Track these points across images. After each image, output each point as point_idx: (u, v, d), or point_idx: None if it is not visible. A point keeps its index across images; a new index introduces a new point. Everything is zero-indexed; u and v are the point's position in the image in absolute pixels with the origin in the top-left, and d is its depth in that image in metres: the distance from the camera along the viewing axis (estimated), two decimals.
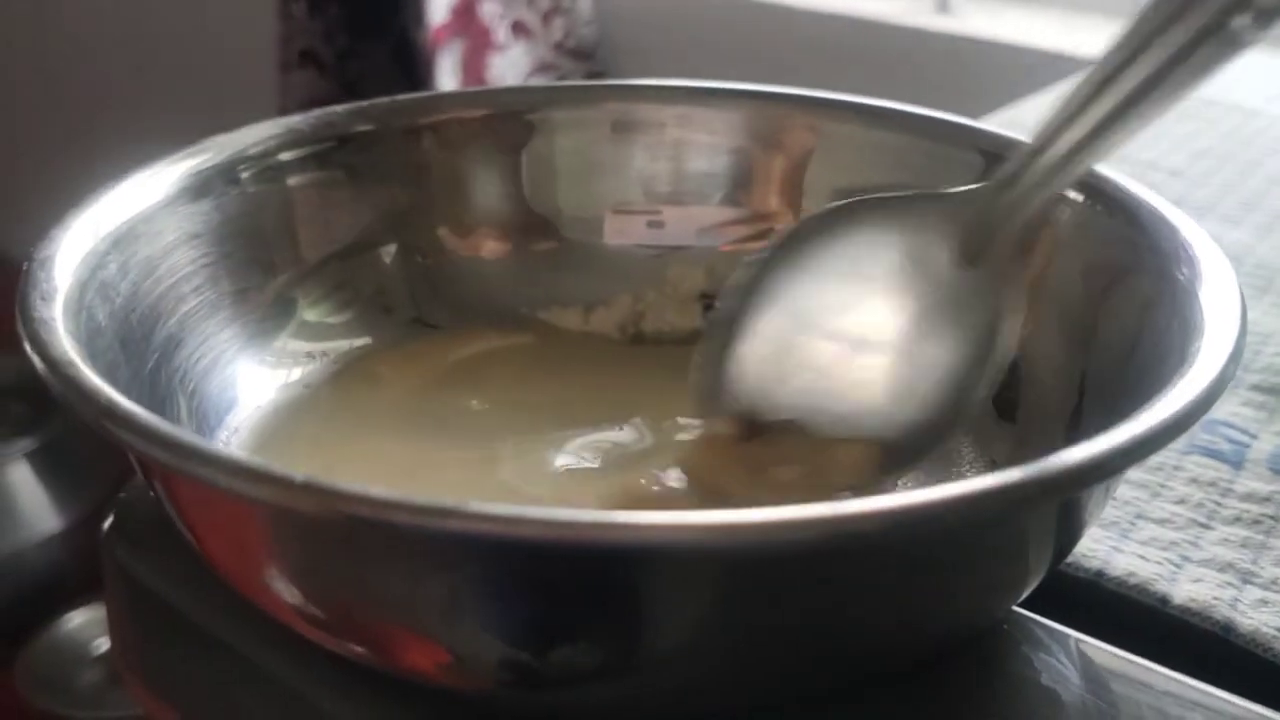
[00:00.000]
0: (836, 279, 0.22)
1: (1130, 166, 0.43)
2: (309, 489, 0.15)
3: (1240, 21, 0.18)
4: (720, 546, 0.15)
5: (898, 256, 0.22)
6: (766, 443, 0.22)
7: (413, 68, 0.79)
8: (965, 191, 0.22)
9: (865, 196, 0.23)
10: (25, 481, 0.84)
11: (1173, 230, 0.22)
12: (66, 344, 0.18)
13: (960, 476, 0.23)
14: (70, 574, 0.83)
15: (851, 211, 0.23)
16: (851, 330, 0.22)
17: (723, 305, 0.24)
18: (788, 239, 0.23)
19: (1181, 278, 0.20)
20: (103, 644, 0.80)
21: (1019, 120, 0.44)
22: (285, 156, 0.26)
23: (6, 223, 1.07)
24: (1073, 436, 0.21)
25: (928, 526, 0.15)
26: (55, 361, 0.18)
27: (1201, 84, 0.19)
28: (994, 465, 0.23)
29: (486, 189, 0.29)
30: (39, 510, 0.84)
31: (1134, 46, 0.19)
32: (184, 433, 0.17)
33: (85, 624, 0.81)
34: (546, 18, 0.81)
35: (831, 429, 0.22)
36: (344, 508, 0.15)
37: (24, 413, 0.88)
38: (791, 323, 0.22)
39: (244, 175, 0.26)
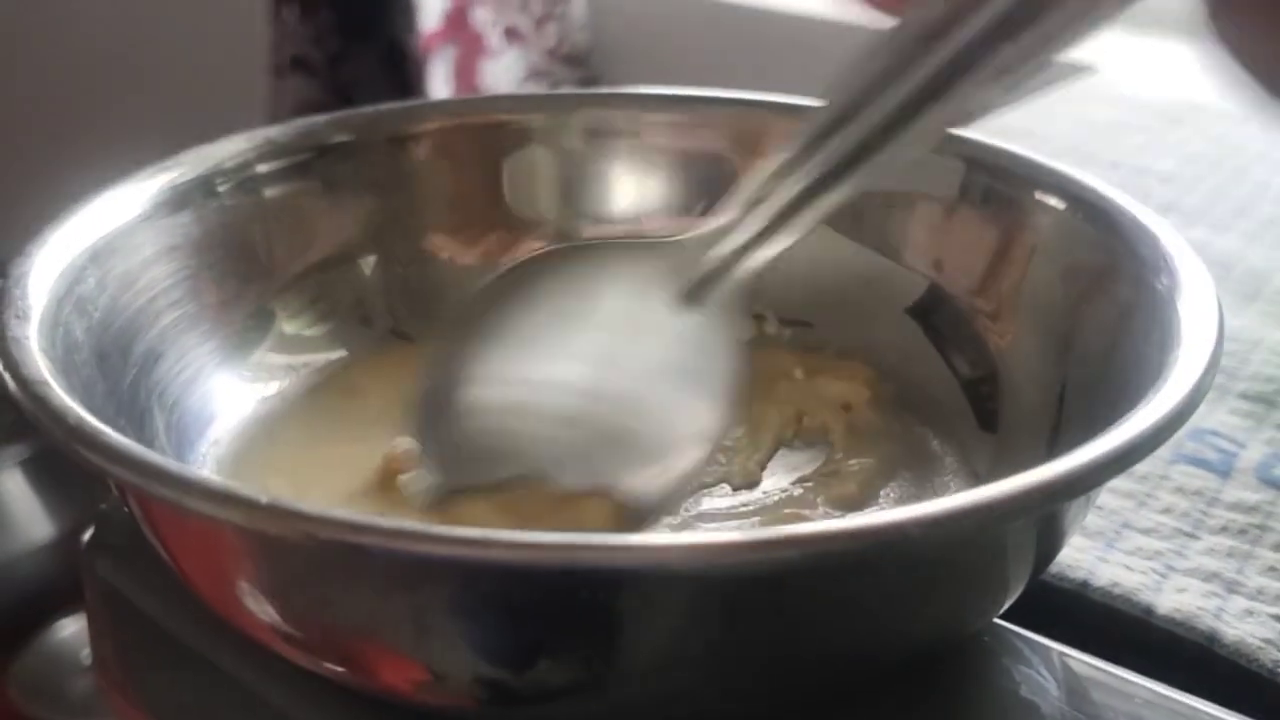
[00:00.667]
0: (555, 326, 0.21)
1: (1122, 172, 0.43)
2: (274, 511, 0.15)
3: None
4: (695, 569, 0.15)
5: (615, 300, 0.21)
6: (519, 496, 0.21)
7: (405, 73, 0.78)
8: (674, 242, 0.21)
9: (570, 244, 0.23)
10: (17, 489, 0.84)
11: (1152, 238, 0.22)
12: (40, 362, 0.19)
13: (941, 487, 0.23)
14: (62, 582, 0.83)
15: (560, 258, 0.22)
16: (578, 379, 0.21)
17: (431, 375, 0.22)
18: (485, 295, 0.22)
19: (1160, 286, 0.20)
20: None
21: (1008, 128, 0.44)
22: (263, 168, 0.26)
23: None
24: (1054, 445, 0.21)
25: (902, 546, 0.15)
26: (26, 381, 0.18)
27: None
28: (975, 475, 0.23)
29: (466, 199, 0.29)
30: (31, 518, 0.84)
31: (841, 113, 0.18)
32: (152, 454, 0.17)
33: (77, 632, 0.81)
34: (539, 24, 0.81)
35: (574, 481, 0.20)
36: (309, 530, 0.15)
37: (16, 421, 0.88)
38: (514, 380, 0.21)
39: (222, 188, 0.25)
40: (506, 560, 0.15)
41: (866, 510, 0.23)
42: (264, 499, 0.15)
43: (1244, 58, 0.16)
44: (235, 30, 0.91)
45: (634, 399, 0.21)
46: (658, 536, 0.15)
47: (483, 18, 0.80)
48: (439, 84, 0.77)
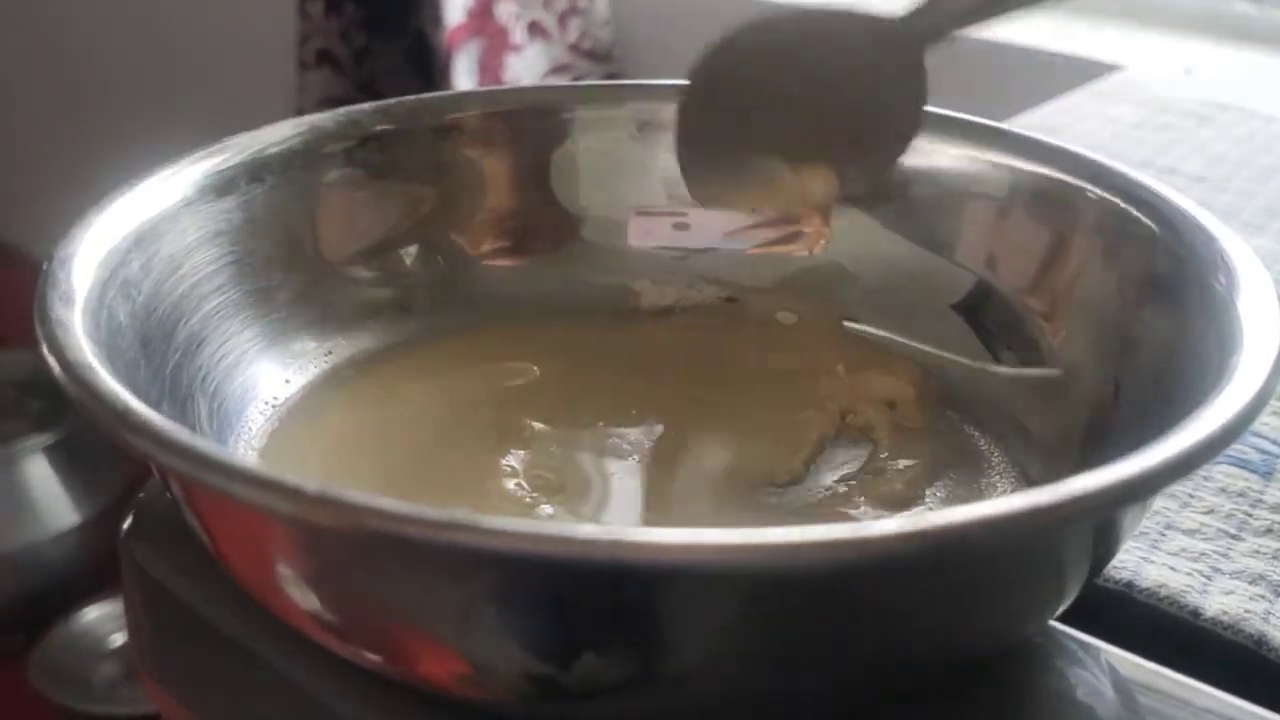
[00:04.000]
0: (784, 58, 0.27)
1: (1151, 172, 0.43)
2: (324, 501, 0.15)
3: None
4: (751, 567, 0.15)
5: (831, 40, 0.27)
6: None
7: (429, 68, 0.78)
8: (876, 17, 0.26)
9: (786, 12, 0.26)
10: (43, 476, 0.84)
11: (1209, 237, 0.21)
12: (84, 347, 0.18)
13: (989, 487, 0.23)
14: (86, 568, 0.83)
15: (785, 17, 0.27)
16: (804, 88, 0.27)
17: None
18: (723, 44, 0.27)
19: (1219, 287, 0.20)
20: (118, 638, 0.80)
21: (1043, 124, 0.44)
22: (309, 155, 0.26)
23: (27, 221, 1.07)
24: (1106, 446, 0.21)
25: (960, 548, 0.15)
26: (71, 365, 0.18)
27: None
28: (1024, 475, 0.23)
29: (510, 189, 0.28)
30: (56, 505, 0.84)
31: None
32: (200, 441, 0.17)
33: (101, 618, 0.81)
34: (563, 18, 0.81)
35: (798, 158, 0.27)
36: (356, 519, 0.15)
37: (42, 408, 0.88)
38: (751, 83, 0.27)
39: (268, 174, 0.25)
40: (553, 554, 0.15)
41: (913, 509, 0.22)
42: (312, 488, 0.15)
43: None
44: (262, 24, 0.92)
45: (855, 97, 0.27)
46: (708, 533, 0.15)
47: (507, 12, 0.80)
48: (463, 78, 0.77)
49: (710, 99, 0.27)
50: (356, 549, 0.17)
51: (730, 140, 0.27)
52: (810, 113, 0.27)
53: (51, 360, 0.18)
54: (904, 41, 0.26)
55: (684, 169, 0.27)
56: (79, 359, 0.18)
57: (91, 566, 0.83)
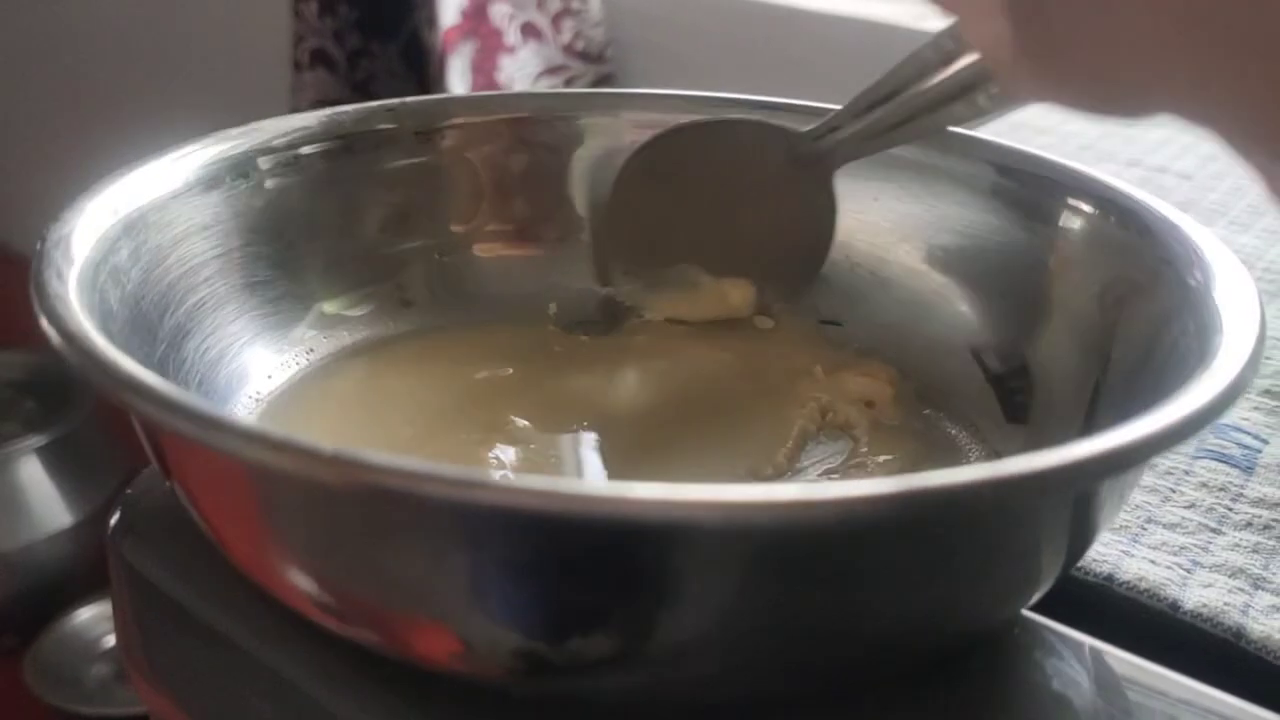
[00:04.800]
0: (699, 171, 0.28)
1: (1141, 171, 0.43)
2: (338, 460, 0.15)
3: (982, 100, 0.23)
4: (738, 524, 0.15)
5: (745, 154, 0.28)
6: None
7: (423, 69, 0.79)
8: (789, 129, 0.27)
9: (703, 120, 0.28)
10: (36, 477, 0.84)
11: (1185, 238, 0.22)
12: (84, 319, 0.18)
13: None
14: (80, 569, 0.83)
15: (700, 126, 0.28)
16: (716, 206, 0.28)
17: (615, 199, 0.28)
18: (640, 154, 0.28)
19: (1195, 282, 0.20)
20: (111, 639, 0.80)
21: (1026, 125, 0.44)
22: (307, 150, 0.26)
23: (19, 220, 1.07)
24: (1088, 436, 0.21)
25: (942, 509, 0.15)
26: (73, 335, 0.18)
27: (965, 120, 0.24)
28: None
29: (506, 190, 0.29)
30: (49, 505, 0.84)
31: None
32: (207, 404, 0.17)
33: (94, 619, 0.81)
34: (556, 20, 0.81)
35: (716, 269, 0.28)
36: (373, 479, 0.15)
37: (35, 408, 0.88)
38: (672, 191, 0.28)
39: (264, 168, 0.25)
40: (548, 508, 0.14)
41: None
42: (327, 449, 0.15)
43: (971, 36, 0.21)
44: (257, 24, 0.92)
45: (765, 209, 0.28)
46: (692, 488, 0.14)
47: (501, 13, 0.80)
48: (457, 79, 0.78)
49: (630, 207, 0.28)
50: (356, 512, 0.16)
51: (650, 249, 0.28)
52: (727, 224, 0.28)
53: (52, 331, 0.18)
54: (814, 157, 0.27)
55: (602, 273, 0.28)
56: (80, 329, 0.18)
57: (85, 567, 0.83)
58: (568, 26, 0.82)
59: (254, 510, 0.18)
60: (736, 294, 0.28)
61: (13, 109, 1.23)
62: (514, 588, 0.16)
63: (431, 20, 0.76)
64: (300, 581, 0.18)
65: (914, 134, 0.25)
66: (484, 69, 0.79)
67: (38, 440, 0.84)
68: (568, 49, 0.82)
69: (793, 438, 0.24)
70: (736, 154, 0.28)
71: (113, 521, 0.24)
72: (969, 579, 0.17)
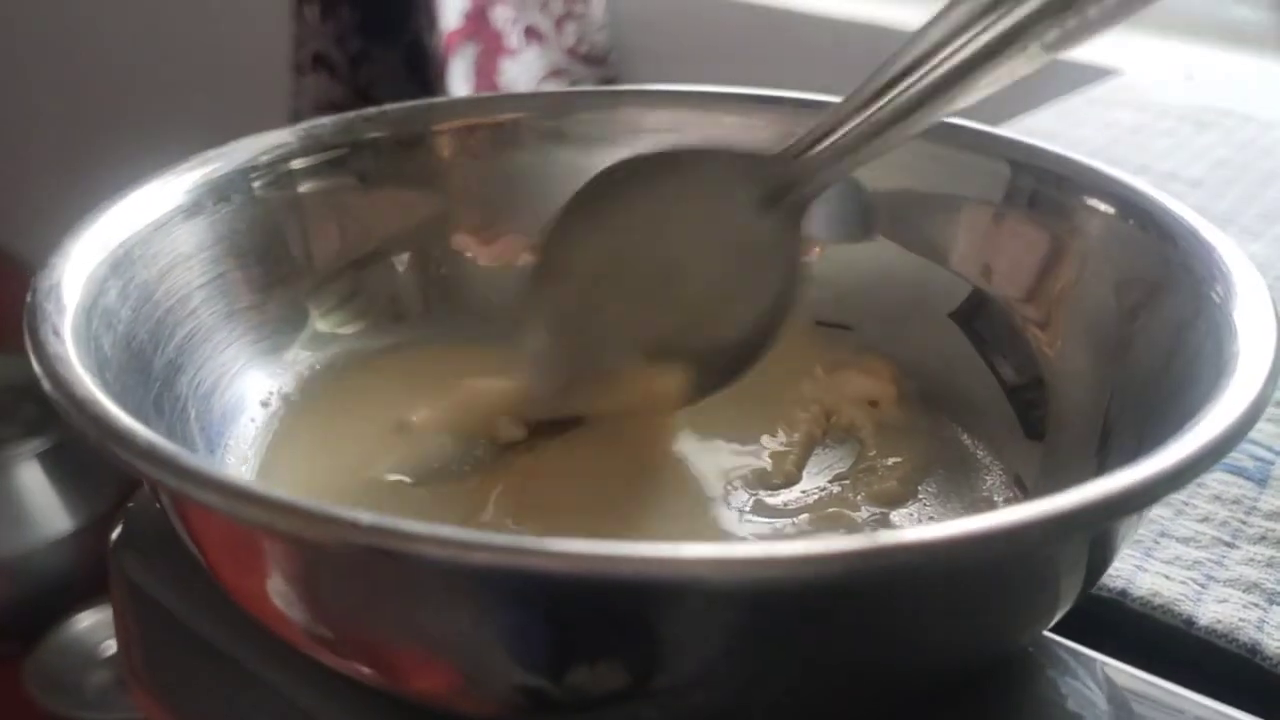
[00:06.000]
0: (646, 221, 0.24)
1: (1150, 177, 0.43)
2: (327, 520, 0.15)
3: (1044, 37, 0.19)
4: (744, 581, 0.14)
5: (702, 199, 0.24)
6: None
7: (425, 72, 0.78)
8: (761, 155, 0.23)
9: (661, 151, 0.24)
10: (36, 482, 0.84)
11: (1208, 248, 0.21)
12: (88, 383, 0.18)
13: (980, 484, 0.23)
14: (80, 575, 0.83)
15: (656, 161, 0.24)
16: (660, 266, 0.24)
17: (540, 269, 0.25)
18: (592, 187, 0.24)
19: (1216, 297, 0.20)
20: (111, 646, 0.80)
21: (1034, 130, 0.44)
22: (286, 167, 0.26)
23: (21, 225, 1.07)
24: (1102, 455, 0.21)
25: (957, 560, 0.15)
26: (83, 403, 0.18)
27: (993, 89, 0.20)
28: (1019, 482, 0.23)
29: (502, 196, 0.28)
30: (49, 511, 0.84)
31: (941, 38, 0.20)
32: (205, 464, 0.17)
33: (94, 625, 0.81)
34: (559, 23, 0.81)
35: (648, 355, 0.24)
36: (345, 535, 0.15)
37: (34, 413, 0.88)
38: (613, 240, 0.24)
39: (245, 189, 0.25)
40: (546, 569, 0.15)
41: (909, 506, 0.22)
42: (316, 508, 0.15)
43: None
44: (258, 28, 0.92)
45: (710, 283, 0.24)
46: (695, 548, 0.14)
47: (503, 16, 0.80)
48: (459, 83, 0.77)
49: (560, 260, 0.24)
50: (346, 563, 0.16)
51: (577, 313, 0.24)
52: (669, 285, 0.24)
53: (60, 399, 0.18)
54: (788, 184, 0.23)
55: (521, 345, 0.24)
56: (87, 395, 0.18)
57: (85, 573, 0.83)
58: (570, 30, 0.82)
59: (246, 559, 0.18)
60: (667, 383, 0.24)
61: (14, 111, 1.23)
62: (502, 634, 0.16)
63: (432, 24, 0.76)
64: (293, 624, 0.18)
65: (904, 135, 0.21)
66: (486, 72, 0.79)
67: (38, 445, 0.84)
68: (570, 52, 0.82)
69: (800, 444, 0.24)
70: (696, 193, 0.23)
71: (114, 535, 0.24)
72: (989, 615, 0.17)
